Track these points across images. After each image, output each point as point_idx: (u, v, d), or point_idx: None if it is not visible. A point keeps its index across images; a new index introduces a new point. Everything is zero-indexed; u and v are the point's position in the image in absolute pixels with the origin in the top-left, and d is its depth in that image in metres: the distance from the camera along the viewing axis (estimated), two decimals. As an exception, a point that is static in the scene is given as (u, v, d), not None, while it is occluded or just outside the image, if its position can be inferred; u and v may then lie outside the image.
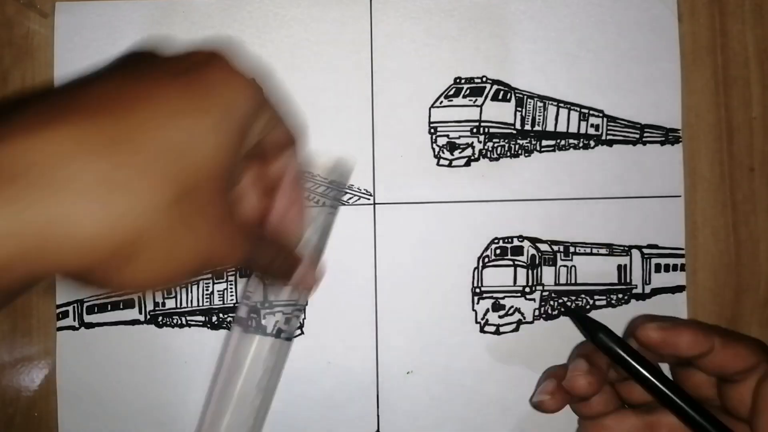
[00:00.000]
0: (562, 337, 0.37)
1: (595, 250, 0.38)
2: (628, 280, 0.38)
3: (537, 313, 0.38)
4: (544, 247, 0.38)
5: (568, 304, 0.37)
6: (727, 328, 0.33)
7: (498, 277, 0.38)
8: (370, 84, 0.39)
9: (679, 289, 0.38)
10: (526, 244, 0.38)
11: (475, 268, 0.38)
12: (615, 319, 0.38)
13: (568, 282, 0.38)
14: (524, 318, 0.38)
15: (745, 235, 0.38)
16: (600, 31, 0.38)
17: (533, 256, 0.38)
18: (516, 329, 0.38)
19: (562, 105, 0.38)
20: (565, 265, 0.38)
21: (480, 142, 0.38)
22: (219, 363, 0.37)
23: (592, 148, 0.38)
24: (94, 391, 0.38)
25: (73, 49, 0.39)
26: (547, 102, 0.38)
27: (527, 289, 0.38)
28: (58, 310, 0.39)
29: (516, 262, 0.38)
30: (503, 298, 0.38)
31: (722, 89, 0.38)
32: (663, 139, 0.38)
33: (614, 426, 0.33)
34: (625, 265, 0.38)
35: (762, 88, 0.38)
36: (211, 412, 0.35)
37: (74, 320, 0.39)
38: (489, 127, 0.38)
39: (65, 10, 0.39)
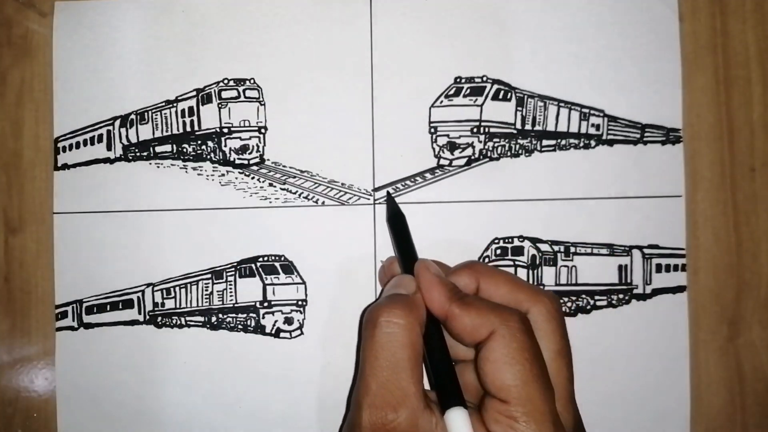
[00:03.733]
0: (562, 337, 0.37)
1: (595, 250, 0.38)
2: (628, 281, 0.38)
3: (537, 313, 0.38)
4: (544, 247, 0.38)
5: (389, 193, 0.37)
6: (472, 297, 0.31)
7: (498, 277, 0.38)
8: (370, 84, 0.38)
9: (679, 289, 0.38)
10: (526, 244, 0.38)
11: (475, 269, 0.38)
12: (616, 319, 0.38)
13: (569, 282, 0.38)
14: (524, 318, 0.38)
15: (746, 235, 0.38)
16: (600, 30, 0.38)
17: (534, 256, 0.38)
18: (516, 329, 0.38)
19: (562, 105, 0.38)
20: (565, 266, 0.38)
21: (480, 141, 0.38)
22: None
23: (593, 147, 0.38)
24: (93, 391, 0.38)
25: (72, 48, 0.39)
26: (547, 102, 0.38)
27: (527, 290, 0.38)
28: (58, 311, 0.39)
29: (516, 262, 0.38)
30: (503, 298, 0.38)
31: (723, 89, 0.38)
32: (664, 138, 0.38)
33: None
34: (626, 265, 0.38)
35: (763, 87, 0.38)
36: None
37: (73, 320, 0.39)
38: (489, 126, 0.38)
39: (64, 9, 0.39)
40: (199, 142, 0.39)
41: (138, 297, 0.38)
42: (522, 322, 0.28)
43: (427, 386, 0.30)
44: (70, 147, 0.39)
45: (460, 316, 0.29)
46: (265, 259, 0.38)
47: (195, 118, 0.39)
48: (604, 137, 0.38)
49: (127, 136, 0.39)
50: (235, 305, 0.38)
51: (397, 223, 0.35)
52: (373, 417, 0.28)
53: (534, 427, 0.27)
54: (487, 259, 0.38)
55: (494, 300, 0.31)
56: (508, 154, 0.38)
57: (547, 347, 0.29)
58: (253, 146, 0.39)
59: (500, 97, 0.38)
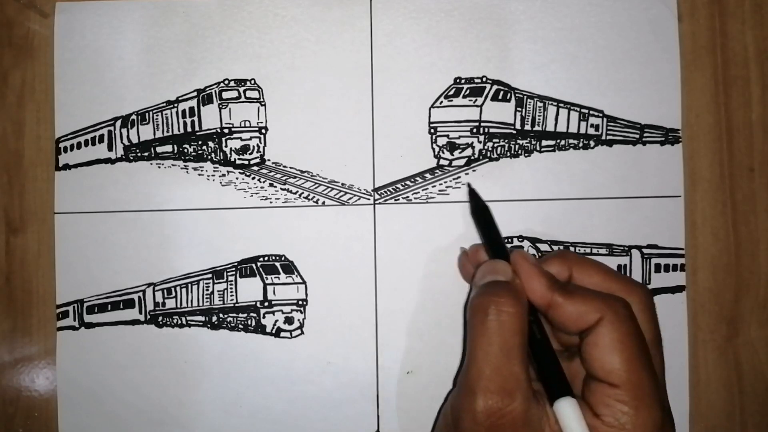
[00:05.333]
0: (562, 337, 0.37)
1: (595, 250, 0.38)
2: (628, 280, 0.38)
3: (537, 313, 0.38)
4: (544, 247, 0.38)
5: (470, 184, 0.37)
6: (572, 285, 0.31)
7: (498, 277, 0.38)
8: (370, 84, 0.39)
9: (679, 289, 0.38)
10: (526, 244, 0.38)
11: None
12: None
13: (568, 282, 0.38)
14: (524, 318, 0.38)
15: (744, 235, 0.38)
16: (600, 31, 0.38)
17: (533, 256, 0.38)
18: (516, 329, 0.38)
19: (562, 105, 0.38)
20: (565, 265, 0.38)
21: (480, 142, 0.38)
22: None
23: (592, 148, 0.38)
24: (94, 390, 0.38)
25: (73, 49, 0.39)
26: (547, 102, 0.38)
27: (527, 289, 0.38)
28: (58, 310, 0.39)
29: (516, 262, 0.38)
30: (503, 298, 0.38)
31: (722, 89, 0.38)
32: (663, 139, 0.38)
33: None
34: (625, 265, 0.38)
35: (761, 88, 0.38)
36: None
37: (74, 320, 0.39)
38: (489, 127, 0.38)
39: (65, 10, 0.39)
40: (200, 142, 0.39)
41: (139, 297, 0.39)
42: (628, 308, 0.29)
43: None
44: (72, 147, 0.39)
45: (563, 304, 0.29)
46: (266, 258, 0.38)
47: (196, 118, 0.39)
48: (603, 137, 0.38)
49: (128, 137, 0.39)
50: (236, 305, 0.38)
51: (483, 215, 0.35)
52: (489, 402, 0.28)
53: (644, 412, 0.27)
54: (486, 259, 0.38)
55: None
56: (508, 154, 0.38)
57: None
58: (253, 146, 0.39)
59: (500, 97, 0.38)
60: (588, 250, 0.38)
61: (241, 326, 0.38)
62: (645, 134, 0.38)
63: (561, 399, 0.28)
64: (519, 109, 0.38)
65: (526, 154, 0.38)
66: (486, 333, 0.29)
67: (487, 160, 0.38)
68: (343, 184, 0.38)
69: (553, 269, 0.32)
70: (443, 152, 0.38)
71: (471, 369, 0.29)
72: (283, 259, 0.38)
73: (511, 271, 0.31)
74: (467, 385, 0.29)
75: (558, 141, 0.38)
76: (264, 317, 0.38)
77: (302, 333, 0.38)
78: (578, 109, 0.38)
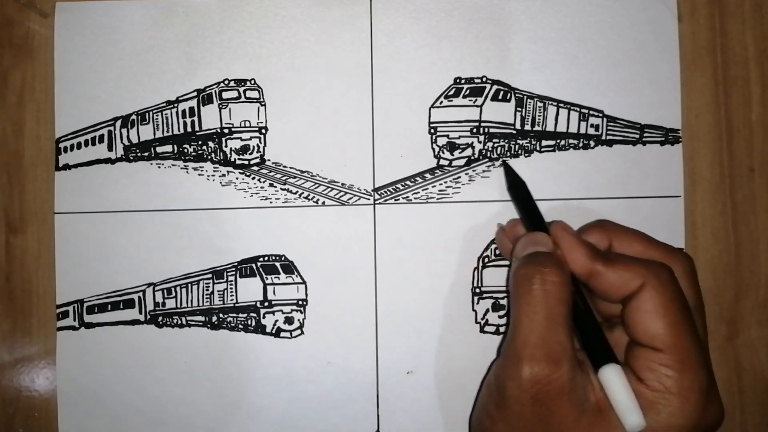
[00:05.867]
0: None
1: (595, 250, 0.38)
2: (628, 280, 0.38)
3: (537, 313, 0.38)
4: (544, 247, 0.38)
5: (506, 161, 0.38)
6: (612, 253, 0.31)
7: (498, 277, 0.38)
8: (370, 84, 0.39)
9: (678, 289, 0.38)
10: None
11: (475, 268, 0.38)
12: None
13: (568, 282, 0.38)
14: (524, 318, 0.38)
15: (744, 235, 0.38)
16: (600, 31, 0.38)
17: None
18: (516, 329, 0.38)
19: (562, 105, 0.38)
20: (565, 265, 0.38)
21: (480, 142, 0.38)
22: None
23: (592, 148, 0.38)
24: (94, 391, 0.38)
25: (73, 49, 0.39)
26: (547, 102, 0.38)
27: (527, 289, 0.38)
28: (58, 310, 0.39)
29: (516, 262, 0.38)
30: (503, 298, 0.38)
31: (722, 89, 0.38)
32: (663, 139, 0.38)
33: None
34: (625, 265, 0.38)
35: (761, 88, 0.38)
36: None
37: (74, 320, 0.39)
38: (489, 127, 0.38)
39: (65, 10, 0.39)
40: (200, 142, 0.39)
41: (139, 297, 0.39)
42: (671, 273, 0.29)
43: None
44: (72, 147, 0.39)
45: (605, 272, 0.29)
46: (266, 258, 0.38)
47: (196, 118, 0.39)
48: (603, 138, 0.38)
49: (128, 137, 0.39)
50: (236, 305, 0.38)
51: (519, 190, 0.35)
52: (535, 370, 0.28)
53: (689, 375, 0.27)
54: (486, 259, 0.38)
55: None
56: (508, 154, 0.38)
57: None
58: (253, 146, 0.39)
59: (500, 97, 0.38)
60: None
61: (241, 326, 0.38)
62: (645, 134, 0.38)
63: (606, 366, 0.28)
64: (519, 109, 0.38)
65: (526, 154, 0.38)
66: (531, 302, 0.29)
67: (487, 160, 0.38)
68: (343, 184, 0.38)
69: (593, 239, 0.32)
70: (443, 152, 0.38)
71: (516, 337, 0.29)
72: (283, 259, 0.38)
73: (552, 243, 0.31)
74: (513, 353, 0.29)
75: (558, 141, 0.38)
76: (264, 317, 0.38)
77: (302, 333, 0.38)
78: (578, 109, 0.38)
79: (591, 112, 0.38)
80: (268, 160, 0.39)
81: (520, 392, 0.28)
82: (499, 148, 0.38)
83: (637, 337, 0.28)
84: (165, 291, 0.38)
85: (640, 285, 0.29)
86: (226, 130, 0.39)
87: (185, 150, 0.39)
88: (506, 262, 0.38)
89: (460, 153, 0.38)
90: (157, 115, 0.39)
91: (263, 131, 0.39)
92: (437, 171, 0.38)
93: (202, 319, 0.39)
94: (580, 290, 0.31)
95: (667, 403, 0.27)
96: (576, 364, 0.28)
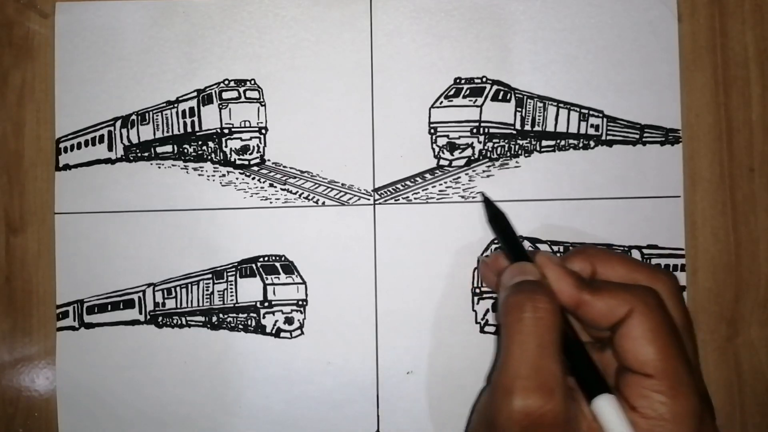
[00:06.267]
0: (562, 337, 0.37)
1: (595, 250, 0.38)
2: (627, 280, 0.38)
3: (537, 313, 0.38)
4: (544, 247, 0.38)
5: (483, 193, 0.37)
6: (598, 281, 0.31)
7: (498, 277, 0.38)
8: (370, 84, 0.39)
9: (678, 289, 0.38)
10: (526, 244, 0.38)
11: (475, 268, 0.38)
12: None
13: (568, 282, 0.38)
14: (524, 318, 0.38)
15: (744, 235, 0.38)
16: (600, 31, 0.38)
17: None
18: (516, 329, 0.38)
19: (562, 105, 0.38)
20: (565, 265, 0.38)
21: (480, 142, 0.38)
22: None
23: (592, 148, 0.38)
24: (94, 391, 0.38)
25: (73, 49, 0.39)
26: (547, 102, 0.38)
27: (527, 289, 0.38)
28: (58, 310, 0.39)
29: (516, 262, 0.38)
30: (503, 298, 0.38)
31: (722, 89, 0.38)
32: (663, 139, 0.38)
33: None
34: (625, 265, 0.38)
35: (762, 88, 0.38)
36: None
37: (74, 320, 0.39)
38: (489, 127, 0.38)
39: (65, 10, 0.39)
40: (200, 142, 0.39)
41: (139, 297, 0.39)
42: (657, 298, 0.29)
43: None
44: (72, 147, 0.39)
45: (592, 301, 0.29)
46: (266, 259, 0.38)
47: (196, 118, 0.39)
48: (603, 138, 0.38)
49: (128, 137, 0.39)
50: (236, 305, 0.38)
51: (500, 222, 0.35)
52: (527, 402, 0.27)
53: (682, 401, 0.27)
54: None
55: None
56: (508, 154, 0.38)
57: None
58: (253, 147, 0.39)
59: (500, 97, 0.38)
60: (588, 250, 0.38)
61: (241, 326, 0.38)
62: (645, 134, 0.38)
63: (600, 397, 0.28)
64: (519, 109, 0.38)
65: (526, 154, 0.38)
66: (522, 330, 0.29)
67: (487, 160, 0.38)
68: (343, 184, 0.38)
69: (576, 266, 0.32)
70: (443, 152, 0.38)
71: (507, 367, 0.28)
72: (283, 259, 0.38)
73: (538, 272, 0.31)
74: (504, 384, 0.28)
75: (558, 141, 0.38)
76: (264, 317, 0.38)
77: (302, 333, 0.38)
78: (578, 109, 0.38)
79: (591, 112, 0.38)
80: (268, 160, 0.39)
81: (510, 424, 0.27)
82: (499, 148, 0.38)
83: (628, 364, 0.28)
84: (165, 291, 0.38)
85: (628, 311, 0.28)
86: (226, 130, 0.39)
87: (185, 150, 0.39)
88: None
89: (460, 153, 0.38)
90: (157, 115, 0.39)
91: (263, 131, 0.39)
92: (437, 171, 0.38)
93: (202, 319, 0.39)
94: (568, 319, 0.31)
95: (662, 430, 0.27)
96: (568, 394, 0.28)
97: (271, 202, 0.38)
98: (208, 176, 0.39)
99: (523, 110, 0.38)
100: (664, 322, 0.28)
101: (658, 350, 0.27)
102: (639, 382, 0.28)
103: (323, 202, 0.38)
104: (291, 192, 0.38)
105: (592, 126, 0.38)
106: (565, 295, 0.30)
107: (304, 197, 0.38)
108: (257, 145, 0.39)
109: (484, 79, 0.38)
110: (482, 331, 0.38)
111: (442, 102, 0.38)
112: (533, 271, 0.31)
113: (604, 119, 0.38)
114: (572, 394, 0.29)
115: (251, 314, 0.38)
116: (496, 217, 0.35)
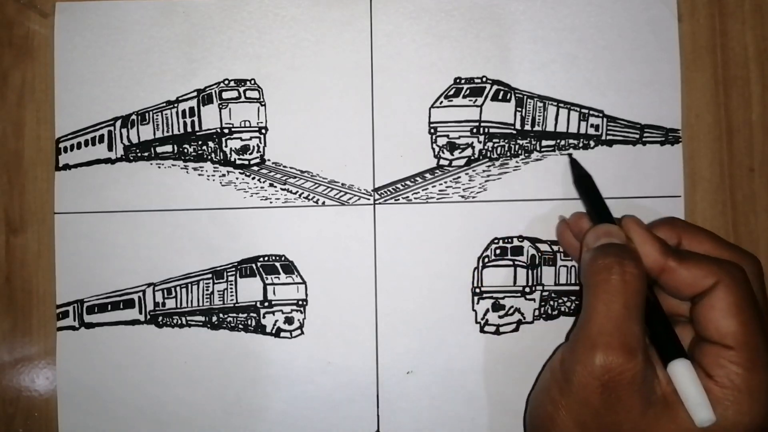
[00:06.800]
0: (562, 337, 0.37)
1: (595, 250, 0.38)
2: (628, 280, 0.38)
3: (537, 313, 0.38)
4: (544, 247, 0.38)
5: (571, 154, 0.38)
6: (684, 250, 0.31)
7: (498, 277, 0.38)
8: (370, 84, 0.39)
9: (678, 289, 0.38)
10: (526, 244, 0.38)
11: (475, 268, 0.38)
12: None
13: (569, 282, 0.38)
14: (524, 318, 0.38)
15: (744, 235, 0.38)
16: (600, 31, 0.38)
17: (533, 256, 0.38)
18: (516, 329, 0.38)
19: (562, 105, 0.38)
20: (565, 265, 0.38)
21: (480, 142, 0.38)
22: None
23: (592, 148, 0.38)
24: (94, 391, 0.38)
25: (73, 49, 0.39)
26: (547, 102, 0.38)
27: (527, 289, 0.38)
28: (58, 310, 0.39)
29: (516, 262, 0.38)
30: (503, 298, 0.38)
31: (722, 89, 0.38)
32: (663, 139, 0.38)
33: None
34: (625, 265, 0.38)
35: (762, 88, 0.38)
36: None
37: (74, 320, 0.39)
38: (489, 127, 0.38)
39: (65, 10, 0.39)
40: (200, 142, 0.39)
41: (139, 297, 0.39)
42: (744, 274, 0.29)
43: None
44: (72, 147, 0.39)
45: (677, 269, 0.30)
46: (266, 259, 0.38)
47: (196, 118, 0.39)
48: (603, 138, 0.38)
49: (128, 137, 0.39)
50: (236, 305, 0.38)
51: (586, 183, 0.36)
52: (609, 358, 0.28)
53: (759, 374, 0.27)
54: (486, 259, 0.38)
55: None
56: (508, 154, 0.38)
57: None
58: (253, 147, 0.39)
59: (500, 97, 0.38)
60: (588, 250, 0.38)
61: (241, 326, 0.38)
62: (645, 134, 0.38)
63: (676, 360, 0.28)
64: (519, 109, 0.38)
65: (526, 154, 0.38)
66: (610, 291, 0.29)
67: (487, 160, 0.38)
68: (343, 184, 0.38)
69: (662, 235, 0.32)
70: (443, 152, 0.38)
71: (591, 324, 0.29)
72: (283, 259, 0.38)
73: (624, 235, 0.31)
74: (586, 339, 0.29)
75: (558, 141, 0.38)
76: (264, 317, 0.38)
77: (302, 333, 0.38)
78: (578, 109, 0.38)
79: (591, 112, 0.38)
80: (268, 160, 0.39)
81: (590, 379, 0.28)
82: (499, 148, 0.38)
83: (708, 334, 0.29)
84: (165, 291, 0.38)
85: (714, 283, 0.29)
86: (226, 130, 0.39)
87: (185, 150, 0.39)
88: (506, 262, 0.38)
89: (460, 153, 0.38)
90: (157, 115, 0.39)
91: (263, 131, 0.39)
92: (437, 171, 0.38)
93: (202, 319, 0.39)
94: (650, 285, 0.31)
95: (736, 401, 0.27)
96: (648, 357, 0.29)
97: (271, 202, 0.38)
98: (208, 176, 0.39)
99: (523, 110, 0.38)
100: (749, 297, 0.29)
101: (741, 323, 0.28)
102: (718, 352, 0.28)
103: (323, 202, 0.38)
104: (291, 192, 0.38)
105: (592, 126, 0.38)
106: (650, 260, 0.30)
107: (304, 197, 0.38)
108: (257, 145, 0.39)
109: (484, 79, 0.38)
110: (482, 331, 0.38)
111: (442, 102, 0.38)
112: (620, 233, 0.31)
113: (604, 119, 0.38)
114: (649, 358, 0.29)
115: (251, 314, 0.38)
116: (581, 178, 0.36)
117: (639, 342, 0.28)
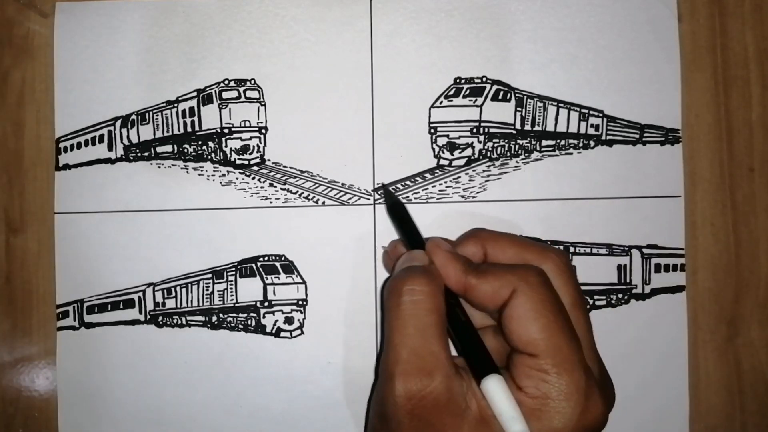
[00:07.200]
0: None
1: (595, 250, 0.38)
2: (627, 280, 0.38)
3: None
4: (544, 247, 0.38)
5: (385, 183, 0.38)
6: (484, 264, 0.31)
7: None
8: (370, 84, 0.39)
9: (678, 289, 0.38)
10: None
11: (475, 268, 0.38)
12: (615, 319, 0.38)
13: (568, 282, 0.38)
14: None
15: (744, 235, 0.38)
16: (600, 31, 0.38)
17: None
18: (516, 329, 0.38)
19: (562, 105, 0.38)
20: (565, 265, 0.38)
21: (480, 142, 0.38)
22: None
23: (592, 148, 0.38)
24: (94, 390, 0.38)
25: (73, 49, 0.39)
26: (547, 102, 0.38)
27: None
28: (58, 310, 0.39)
29: (516, 262, 0.38)
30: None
31: (722, 89, 0.38)
32: (663, 139, 0.38)
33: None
34: (625, 265, 0.38)
35: (761, 88, 0.38)
36: None
37: (74, 320, 0.39)
38: (489, 127, 0.38)
39: (65, 10, 0.39)
40: (200, 142, 0.39)
41: (139, 297, 0.39)
42: (540, 276, 0.29)
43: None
44: (72, 147, 0.39)
45: (478, 284, 0.29)
46: (266, 258, 0.38)
47: (196, 118, 0.39)
48: (603, 137, 0.38)
49: (128, 137, 0.39)
50: (236, 305, 0.38)
51: (398, 211, 0.36)
52: (408, 385, 0.27)
53: (565, 377, 0.27)
54: (486, 259, 0.38)
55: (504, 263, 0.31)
56: (508, 154, 0.38)
57: (562, 301, 0.29)
58: (253, 146, 0.39)
59: (500, 97, 0.38)
60: (588, 250, 0.38)
61: (241, 326, 0.38)
62: (645, 134, 0.38)
63: (487, 377, 0.28)
64: (519, 109, 0.38)
65: (526, 154, 0.38)
66: (401, 315, 0.29)
67: (487, 160, 0.38)
68: (343, 184, 0.38)
69: (468, 250, 0.32)
70: (443, 152, 0.38)
71: (388, 354, 0.29)
72: (283, 259, 0.38)
73: (427, 258, 0.31)
74: (386, 370, 0.28)
75: (558, 141, 0.38)
76: (264, 317, 0.38)
77: (302, 333, 0.38)
78: (578, 109, 0.38)
79: (591, 112, 0.38)
80: (268, 160, 0.39)
81: (396, 409, 0.28)
82: (499, 148, 0.38)
83: (514, 344, 0.28)
84: (165, 291, 0.38)
85: (511, 292, 0.28)
86: (226, 130, 0.39)
87: (185, 150, 0.39)
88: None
89: (460, 153, 0.38)
90: (157, 115, 0.39)
91: (263, 131, 0.39)
92: (437, 171, 0.38)
93: (202, 319, 0.39)
94: (459, 303, 0.31)
95: (546, 409, 0.27)
96: (452, 374, 0.28)
97: (271, 202, 0.38)
98: (208, 176, 0.39)
99: (523, 110, 0.38)
100: (547, 299, 0.28)
101: (541, 329, 0.28)
102: (525, 361, 0.28)
103: (323, 202, 0.38)
104: (291, 192, 0.38)
105: (592, 126, 0.38)
106: (452, 280, 0.30)
107: (304, 197, 0.38)
108: (257, 145, 0.39)
109: (484, 79, 0.38)
110: (482, 331, 0.38)
111: (442, 102, 0.38)
112: (422, 257, 0.31)
113: (604, 119, 0.38)
114: (463, 374, 0.29)
115: (251, 314, 0.38)
116: (394, 206, 0.36)
117: (438, 361, 0.28)
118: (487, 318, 0.32)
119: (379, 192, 0.38)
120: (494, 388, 0.27)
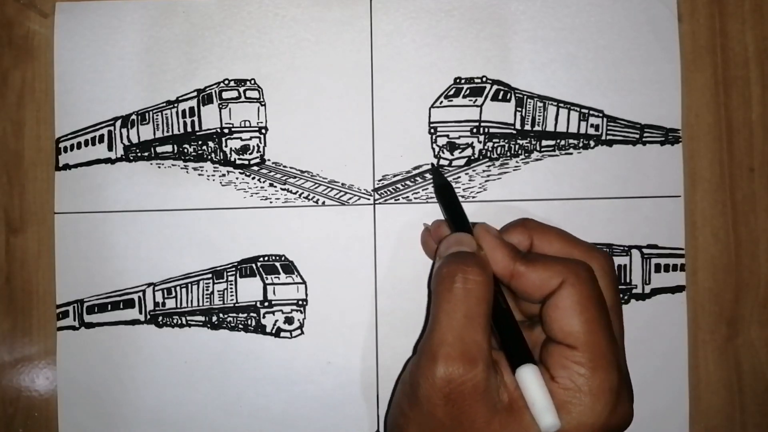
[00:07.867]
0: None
1: (595, 250, 0.38)
2: (627, 280, 0.38)
3: (537, 313, 0.38)
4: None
5: (434, 164, 0.38)
6: (533, 253, 0.32)
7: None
8: (370, 84, 0.39)
9: (678, 289, 0.38)
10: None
11: (475, 268, 0.38)
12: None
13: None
14: (524, 318, 0.38)
15: (744, 235, 0.38)
16: (600, 31, 0.38)
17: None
18: (516, 329, 0.38)
19: (562, 105, 0.38)
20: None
21: (480, 142, 0.38)
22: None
23: (592, 148, 0.38)
24: (94, 390, 0.38)
25: (73, 49, 0.39)
26: (547, 102, 0.38)
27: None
28: (58, 310, 0.39)
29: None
30: (503, 298, 0.38)
31: (722, 89, 0.38)
32: (663, 139, 0.38)
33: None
34: (625, 265, 0.38)
35: (761, 88, 0.38)
36: None
37: (74, 320, 0.39)
38: (489, 127, 0.38)
39: (65, 10, 0.39)
40: (200, 142, 0.39)
41: (139, 296, 0.39)
42: (589, 272, 0.29)
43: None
44: (72, 147, 0.39)
45: (526, 273, 0.30)
46: (266, 258, 0.38)
47: (196, 118, 0.39)
48: (603, 137, 0.38)
49: (128, 137, 0.39)
50: (236, 305, 0.38)
51: (446, 193, 0.36)
52: (450, 368, 0.28)
53: (600, 374, 0.27)
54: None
55: None
56: (508, 154, 0.38)
57: None
58: (253, 146, 0.39)
59: (500, 97, 0.38)
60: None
61: (241, 326, 0.38)
62: (645, 134, 0.38)
63: (523, 366, 0.28)
64: (519, 109, 0.38)
65: (526, 154, 0.38)
66: (452, 300, 0.29)
67: (486, 160, 0.38)
68: (343, 184, 0.38)
69: (515, 239, 0.32)
70: (443, 152, 0.38)
71: (433, 335, 0.29)
72: (283, 259, 0.38)
73: (475, 243, 0.31)
74: (429, 350, 0.28)
75: (558, 141, 0.38)
76: (264, 317, 0.38)
77: (302, 333, 0.38)
78: (578, 109, 0.38)
79: (591, 112, 0.38)
80: (268, 160, 0.39)
81: (433, 391, 0.28)
82: (499, 148, 0.38)
83: (553, 334, 0.29)
84: (165, 291, 0.38)
85: (559, 283, 0.29)
86: (226, 130, 0.39)
87: (185, 150, 0.39)
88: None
89: (460, 153, 0.38)
90: (157, 115, 0.39)
91: (263, 131, 0.39)
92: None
93: (202, 319, 0.39)
94: (501, 290, 0.31)
95: (578, 402, 0.27)
96: (491, 365, 0.28)
97: (271, 202, 0.38)
98: (208, 176, 0.39)
99: (523, 110, 0.38)
100: (593, 296, 0.28)
101: (584, 322, 0.28)
102: (562, 352, 0.28)
103: (323, 202, 0.38)
104: (291, 192, 0.38)
105: (592, 126, 0.38)
106: (500, 266, 0.30)
107: (304, 197, 0.38)
108: (257, 145, 0.39)
109: (484, 79, 0.38)
110: (482, 331, 0.38)
111: (442, 102, 0.38)
112: (470, 242, 0.32)
113: (604, 119, 0.38)
114: (496, 366, 0.29)
115: (251, 314, 0.38)
116: (441, 187, 0.36)
117: (481, 350, 0.28)
118: (517, 312, 0.32)
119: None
120: (530, 377, 0.28)
